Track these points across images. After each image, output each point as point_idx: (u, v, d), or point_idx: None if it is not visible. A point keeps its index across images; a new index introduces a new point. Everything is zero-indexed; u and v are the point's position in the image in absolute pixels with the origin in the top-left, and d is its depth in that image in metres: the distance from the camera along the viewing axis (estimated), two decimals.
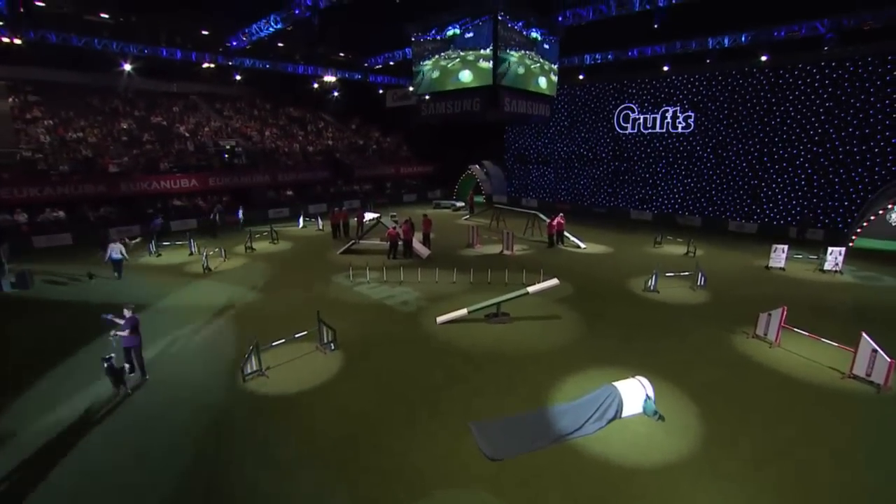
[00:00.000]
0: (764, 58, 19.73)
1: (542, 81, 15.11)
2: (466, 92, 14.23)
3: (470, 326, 10.85)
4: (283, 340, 9.14)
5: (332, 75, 28.82)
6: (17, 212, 19.85)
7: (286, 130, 34.30)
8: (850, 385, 8.21)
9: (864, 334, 8.21)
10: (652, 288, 13.25)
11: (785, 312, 9.55)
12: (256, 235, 19.31)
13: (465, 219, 26.12)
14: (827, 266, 14.98)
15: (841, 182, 20.79)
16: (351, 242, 18.26)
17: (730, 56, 20.80)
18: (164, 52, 21.63)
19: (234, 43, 20.16)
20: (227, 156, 27.32)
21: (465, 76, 13.94)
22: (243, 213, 23.41)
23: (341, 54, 31.88)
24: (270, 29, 17.47)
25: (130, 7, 20.48)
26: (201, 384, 8.32)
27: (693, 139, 24.44)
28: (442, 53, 14.56)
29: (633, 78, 25.81)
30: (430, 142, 39.76)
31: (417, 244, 17.67)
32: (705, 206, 24.54)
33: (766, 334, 9.94)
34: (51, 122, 24.45)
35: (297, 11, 15.72)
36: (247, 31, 18.55)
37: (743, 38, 18.51)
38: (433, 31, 14.68)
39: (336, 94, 38.14)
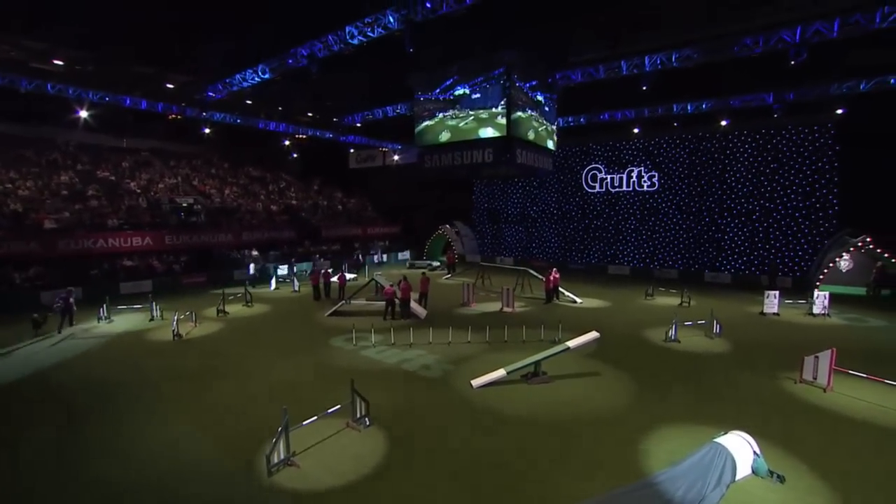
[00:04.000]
0: (724, 123, 22.02)
1: (550, 143, 15.57)
2: (478, 143, 14.11)
3: (510, 389, 9.69)
4: (314, 418, 7.41)
5: (303, 133, 28.22)
6: None
7: (247, 189, 32.63)
8: None
9: None
10: (673, 338, 12.94)
11: (835, 355, 9.43)
12: (230, 297, 17.11)
13: (447, 278, 25.33)
14: (816, 310, 15.68)
15: (793, 234, 22.80)
16: (340, 304, 16.66)
17: (692, 121, 23.02)
18: (128, 101, 19.96)
19: (211, 94, 19.07)
20: (182, 214, 25.08)
21: (488, 132, 13.86)
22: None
23: (309, 114, 31.62)
24: (256, 79, 16.71)
25: (91, 54, 18.88)
26: (213, 484, 6.36)
27: (658, 196, 26.13)
28: (447, 112, 14.53)
29: (598, 140, 27.69)
30: (395, 202, 39.63)
31: (415, 304, 16.50)
32: (677, 259, 25.72)
33: (815, 378, 9.70)
34: None
35: (290, 61, 15.22)
36: (228, 80, 17.65)
37: (704, 106, 20.58)
38: (437, 91, 14.73)
39: (295, 155, 37.56)
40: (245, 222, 27.49)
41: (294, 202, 33.86)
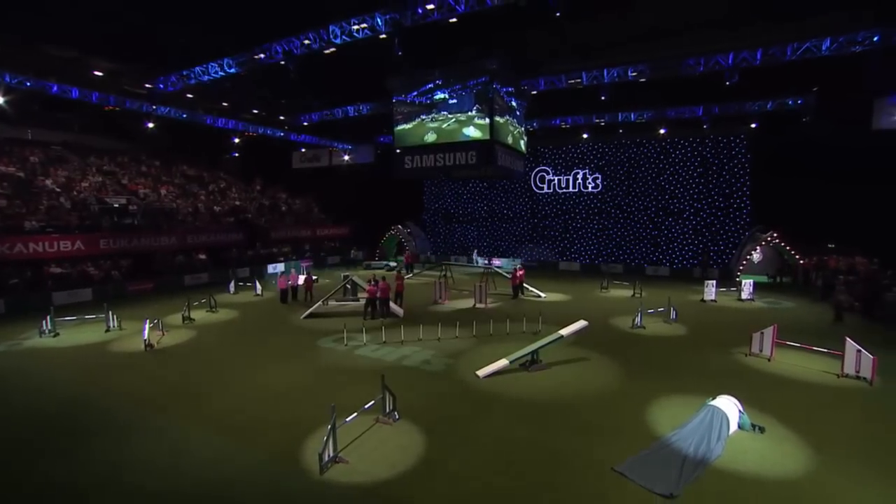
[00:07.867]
0: (662, 131, 24.67)
1: (522, 145, 16.49)
2: (461, 145, 14.61)
3: (513, 377, 10.34)
4: (355, 415, 7.46)
5: (253, 131, 26.82)
6: None
7: (185, 189, 30.18)
8: (847, 382, 9.84)
9: (848, 339, 10.09)
10: (639, 325, 14.41)
11: (776, 330, 11.25)
12: (195, 304, 15.95)
13: (408, 277, 25.48)
14: (744, 296, 18.25)
15: (717, 230, 26.07)
16: (316, 305, 16.28)
17: (634, 129, 25.45)
18: (55, 89, 17.69)
19: (162, 86, 17.56)
20: (115, 217, 22.69)
21: (472, 132, 14.37)
22: None
23: (255, 111, 30.07)
24: (219, 74, 15.75)
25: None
26: (270, 487, 6.23)
27: (602, 197, 28.46)
28: (426, 115, 14.86)
29: (546, 144, 29.47)
30: (343, 203, 38.79)
31: (392, 304, 16.63)
32: (621, 255, 28.15)
33: (761, 351, 11.48)
34: None
35: (262, 57, 14.62)
36: (185, 73, 16.41)
37: (645, 116, 22.93)
38: (413, 94, 15.00)
39: (236, 154, 35.47)
40: (188, 224, 25.51)
41: (238, 203, 31.95)
